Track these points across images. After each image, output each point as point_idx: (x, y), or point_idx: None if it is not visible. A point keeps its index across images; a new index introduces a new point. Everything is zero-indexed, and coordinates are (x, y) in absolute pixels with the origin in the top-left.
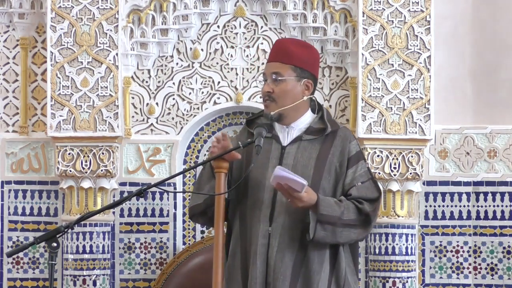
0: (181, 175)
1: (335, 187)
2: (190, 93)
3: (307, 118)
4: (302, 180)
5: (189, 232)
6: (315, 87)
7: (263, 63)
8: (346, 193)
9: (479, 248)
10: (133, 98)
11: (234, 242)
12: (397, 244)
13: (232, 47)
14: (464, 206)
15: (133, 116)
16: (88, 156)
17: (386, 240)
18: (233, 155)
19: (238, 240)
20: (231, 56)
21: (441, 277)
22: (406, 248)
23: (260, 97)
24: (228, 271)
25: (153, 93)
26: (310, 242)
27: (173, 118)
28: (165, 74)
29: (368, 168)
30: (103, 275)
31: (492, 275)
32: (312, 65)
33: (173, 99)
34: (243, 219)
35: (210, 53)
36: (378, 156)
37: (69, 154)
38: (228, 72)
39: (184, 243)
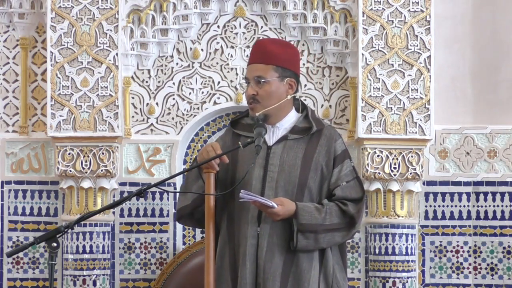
0: (181, 175)
1: (321, 186)
2: (190, 93)
3: (292, 117)
4: (268, 201)
5: (189, 232)
6: (298, 85)
7: None
8: (331, 192)
9: (479, 248)
10: (133, 98)
11: (222, 243)
12: (397, 244)
13: (232, 47)
14: (464, 206)
15: (133, 116)
16: (88, 156)
17: (386, 240)
18: (222, 159)
19: (226, 241)
20: (231, 56)
21: (441, 277)
22: (406, 248)
23: None
24: (217, 273)
25: (153, 93)
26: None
27: (173, 118)
28: (165, 74)
29: (354, 167)
30: (103, 275)
31: (492, 275)
32: (294, 63)
33: (173, 99)
34: (231, 220)
35: (210, 53)
36: (378, 156)
37: (69, 154)
38: (228, 72)
39: (184, 243)
